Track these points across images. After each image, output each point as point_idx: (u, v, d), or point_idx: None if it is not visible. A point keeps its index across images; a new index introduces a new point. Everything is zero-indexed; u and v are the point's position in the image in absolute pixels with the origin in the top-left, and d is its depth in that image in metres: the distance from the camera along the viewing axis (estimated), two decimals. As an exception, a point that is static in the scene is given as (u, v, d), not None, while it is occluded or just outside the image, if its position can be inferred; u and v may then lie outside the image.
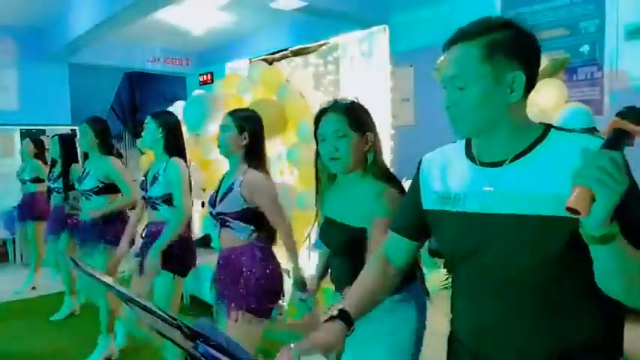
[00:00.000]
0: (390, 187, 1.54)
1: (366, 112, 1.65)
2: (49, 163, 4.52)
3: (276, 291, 2.17)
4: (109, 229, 3.19)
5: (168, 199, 2.65)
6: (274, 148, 4.12)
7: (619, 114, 0.85)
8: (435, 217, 1.13)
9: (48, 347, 3.63)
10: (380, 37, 3.76)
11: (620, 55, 4.03)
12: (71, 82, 7.46)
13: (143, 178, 2.83)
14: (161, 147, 2.72)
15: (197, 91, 4.66)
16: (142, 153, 4.02)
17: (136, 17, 5.37)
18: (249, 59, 5.15)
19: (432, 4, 5.08)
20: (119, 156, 9.89)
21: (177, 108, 4.88)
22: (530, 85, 1.00)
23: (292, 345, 1.02)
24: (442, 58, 1.04)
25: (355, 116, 1.59)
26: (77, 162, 4.15)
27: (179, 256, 2.64)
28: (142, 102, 10.65)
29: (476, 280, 1.06)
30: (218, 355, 0.88)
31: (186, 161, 2.76)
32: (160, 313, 0.92)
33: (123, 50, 7.57)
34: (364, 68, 3.84)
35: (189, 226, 2.80)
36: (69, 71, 7.39)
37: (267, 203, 2.12)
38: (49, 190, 4.30)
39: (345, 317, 1.11)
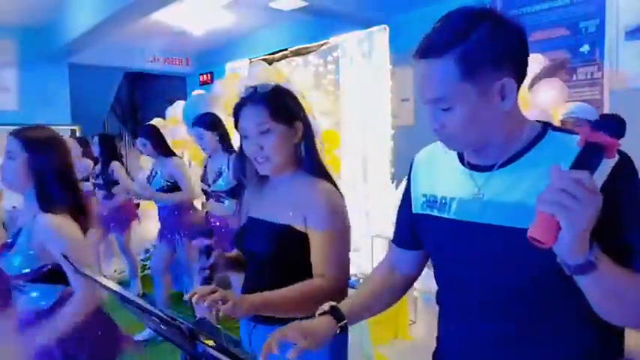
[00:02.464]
0: (327, 182, 1.36)
1: (291, 97, 1.39)
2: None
3: None
4: (183, 222, 3.41)
5: (232, 192, 2.89)
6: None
7: (592, 125, 0.76)
8: (421, 222, 1.05)
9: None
10: (380, 37, 3.76)
11: (620, 55, 4.02)
12: (71, 82, 7.45)
13: (202, 172, 3.09)
14: (220, 149, 2.94)
15: (197, 91, 4.66)
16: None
17: (136, 17, 5.36)
18: (249, 59, 5.15)
19: (431, 4, 5.07)
20: (119, 156, 9.90)
21: (177, 108, 4.89)
22: (521, 81, 0.89)
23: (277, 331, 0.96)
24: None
25: (279, 105, 1.33)
26: (117, 159, 4.33)
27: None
28: (142, 102, 10.65)
29: (461, 293, 0.98)
30: (218, 355, 0.88)
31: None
32: (160, 313, 0.92)
33: (123, 50, 7.57)
34: (364, 68, 3.83)
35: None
36: (69, 71, 7.39)
37: None
38: (94, 187, 4.50)
39: (335, 314, 1.03)
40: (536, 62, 3.51)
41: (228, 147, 2.94)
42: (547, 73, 3.41)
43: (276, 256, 1.34)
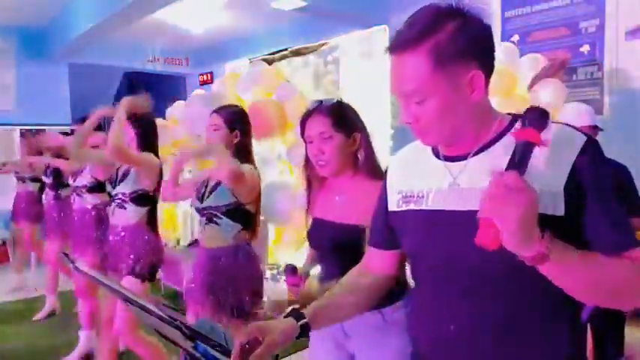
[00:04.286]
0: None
1: (352, 111, 1.61)
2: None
3: (259, 293, 2.18)
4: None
5: (136, 197, 2.51)
6: (274, 148, 4.12)
7: (523, 120, 0.81)
8: (398, 219, 1.06)
9: (45, 346, 3.63)
10: (380, 37, 3.76)
11: (620, 55, 4.02)
12: (71, 82, 7.45)
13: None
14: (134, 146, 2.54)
15: (197, 91, 4.66)
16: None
17: (136, 17, 5.36)
18: (249, 59, 5.16)
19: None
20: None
21: (177, 108, 4.88)
22: (489, 75, 0.92)
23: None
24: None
25: (340, 117, 1.55)
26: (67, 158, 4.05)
27: (148, 260, 2.50)
28: (141, 102, 10.64)
29: (437, 285, 0.98)
30: (217, 355, 0.88)
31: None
32: (160, 313, 0.92)
33: (123, 50, 7.57)
34: (364, 68, 3.84)
35: (156, 230, 2.65)
36: (69, 71, 7.38)
37: (249, 191, 2.07)
38: (42, 187, 4.32)
39: (296, 314, 1.04)
40: (536, 62, 3.52)
41: (143, 148, 2.53)
42: (547, 73, 3.41)
43: (340, 250, 1.50)
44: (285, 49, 4.58)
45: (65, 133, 4.73)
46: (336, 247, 1.52)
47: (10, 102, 6.86)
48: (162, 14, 5.70)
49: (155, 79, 9.58)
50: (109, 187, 2.68)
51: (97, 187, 3.19)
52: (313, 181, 1.66)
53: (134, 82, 10.31)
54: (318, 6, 5.31)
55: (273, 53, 4.88)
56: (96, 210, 3.18)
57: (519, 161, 0.79)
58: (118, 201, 2.52)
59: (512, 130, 0.87)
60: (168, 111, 5.24)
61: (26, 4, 5.87)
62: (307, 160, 1.63)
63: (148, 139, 2.56)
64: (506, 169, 0.78)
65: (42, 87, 6.99)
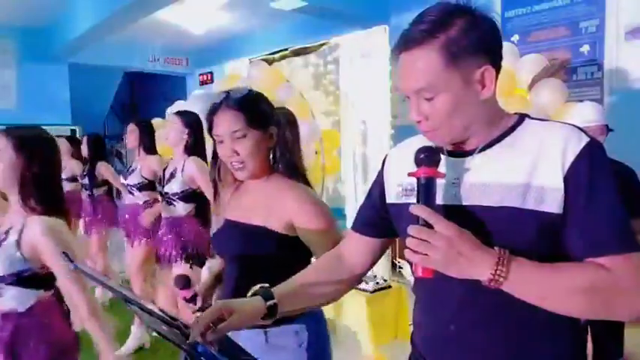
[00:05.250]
0: (302, 184, 1.39)
1: (266, 102, 1.41)
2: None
3: None
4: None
5: (184, 196, 2.74)
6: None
7: (417, 161, 0.88)
8: (397, 212, 1.04)
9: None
10: (380, 37, 3.76)
11: (620, 55, 4.02)
12: (71, 82, 7.45)
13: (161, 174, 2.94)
14: (182, 146, 2.77)
15: (197, 91, 4.66)
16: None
17: (136, 17, 5.36)
18: (249, 59, 5.16)
19: (431, 4, 5.08)
20: (119, 155, 9.92)
21: (177, 108, 4.88)
22: (498, 72, 0.92)
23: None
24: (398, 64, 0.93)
25: (255, 111, 1.34)
26: (105, 160, 4.33)
27: (195, 247, 2.74)
28: (142, 102, 10.65)
29: (437, 282, 0.92)
30: (217, 355, 0.88)
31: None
32: (160, 313, 0.92)
33: (123, 50, 7.57)
34: (364, 68, 3.83)
35: (207, 217, 2.85)
36: (69, 71, 7.39)
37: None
38: (81, 187, 4.53)
39: (265, 294, 1.03)
40: (536, 62, 3.51)
41: (190, 150, 2.74)
42: (547, 73, 3.41)
43: (251, 256, 1.36)
44: (285, 49, 4.58)
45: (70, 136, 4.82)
46: (246, 252, 1.37)
47: (10, 102, 6.86)
48: (162, 14, 5.70)
49: (155, 79, 9.59)
50: (158, 187, 2.95)
51: (147, 186, 3.39)
52: (225, 181, 1.48)
53: (134, 82, 10.33)
54: (318, 6, 5.31)
55: (273, 53, 4.88)
56: (145, 205, 3.38)
57: (428, 197, 0.86)
58: (168, 199, 2.77)
59: (411, 172, 0.90)
60: (168, 111, 5.24)
61: (26, 4, 5.87)
62: (215, 158, 1.43)
63: (197, 141, 2.77)
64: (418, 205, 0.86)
65: (42, 87, 6.99)
